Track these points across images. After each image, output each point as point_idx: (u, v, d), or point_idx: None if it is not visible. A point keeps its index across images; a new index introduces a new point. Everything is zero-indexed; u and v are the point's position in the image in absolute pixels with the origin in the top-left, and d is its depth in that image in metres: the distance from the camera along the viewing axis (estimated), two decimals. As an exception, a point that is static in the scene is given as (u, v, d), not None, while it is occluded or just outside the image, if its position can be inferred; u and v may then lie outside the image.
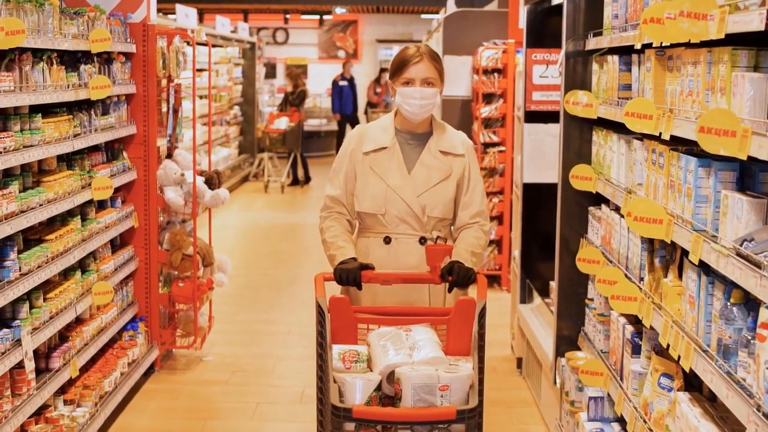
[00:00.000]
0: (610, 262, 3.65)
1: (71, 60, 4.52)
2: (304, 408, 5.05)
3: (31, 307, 3.92)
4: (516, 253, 5.77)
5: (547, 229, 4.71)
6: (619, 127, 3.52)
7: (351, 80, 17.62)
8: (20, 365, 3.75)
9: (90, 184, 4.61)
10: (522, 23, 5.64)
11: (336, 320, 3.08)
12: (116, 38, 4.95)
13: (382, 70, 19.36)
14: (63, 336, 4.40)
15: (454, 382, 2.80)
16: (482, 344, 2.96)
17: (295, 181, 14.29)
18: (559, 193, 4.28)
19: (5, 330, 3.66)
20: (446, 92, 3.66)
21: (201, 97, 11.79)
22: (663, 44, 2.92)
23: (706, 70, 2.58)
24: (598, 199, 3.99)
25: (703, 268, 2.62)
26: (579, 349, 4.20)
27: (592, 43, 3.91)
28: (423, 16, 20.43)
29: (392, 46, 20.84)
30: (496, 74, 7.81)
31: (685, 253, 2.76)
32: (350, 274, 3.22)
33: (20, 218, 3.75)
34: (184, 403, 5.16)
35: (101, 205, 4.99)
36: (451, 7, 9.37)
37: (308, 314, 6.11)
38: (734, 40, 2.42)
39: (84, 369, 4.63)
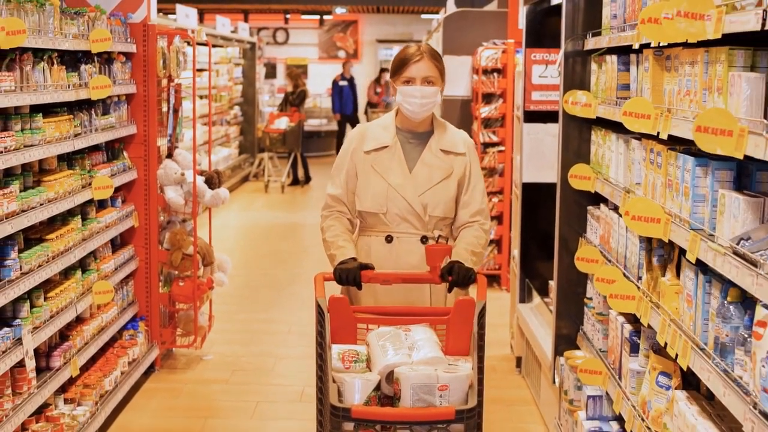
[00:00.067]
0: (609, 261, 3.66)
1: (72, 60, 4.54)
2: (303, 407, 5.07)
3: (32, 306, 3.93)
4: (515, 252, 5.78)
5: (547, 229, 4.73)
6: (617, 127, 3.53)
7: (351, 80, 17.63)
8: (21, 364, 3.76)
9: (90, 184, 4.62)
10: (521, 23, 5.65)
11: (335, 320, 3.08)
12: (117, 38, 4.96)
13: (383, 70, 19.37)
14: (63, 335, 4.41)
15: (453, 382, 2.81)
16: (482, 344, 2.95)
17: (296, 181, 14.30)
18: (558, 193, 4.29)
19: (6, 329, 3.67)
20: (446, 92, 3.67)
21: (201, 97, 11.81)
22: (661, 44, 2.93)
23: (704, 69, 2.59)
24: (597, 199, 4.00)
25: (701, 266, 2.63)
26: (578, 348, 4.21)
27: (591, 43, 3.92)
28: (423, 16, 20.44)
29: (392, 46, 20.86)
30: (495, 74, 7.82)
31: (682, 252, 2.77)
32: (350, 274, 3.22)
33: (21, 217, 3.76)
34: (185, 402, 5.17)
35: (102, 205, 5.00)
36: (451, 7, 9.39)
37: (308, 314, 6.12)
38: (731, 40, 2.43)
39: (84, 368, 4.64)
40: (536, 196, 5.47)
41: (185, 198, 5.63)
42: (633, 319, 3.45)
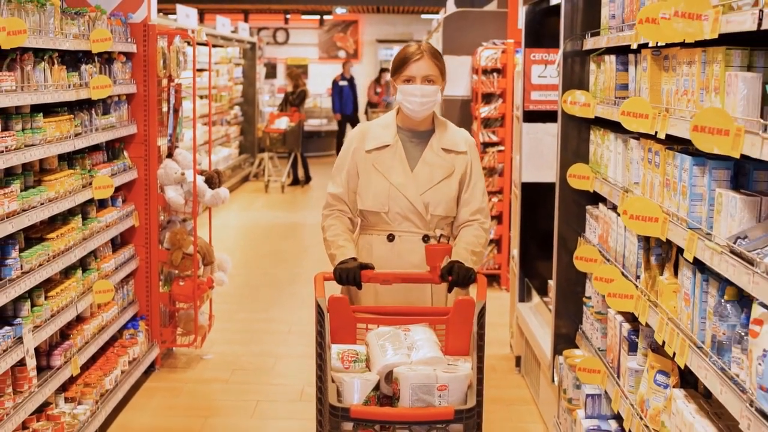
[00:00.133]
0: (607, 260, 3.67)
1: (72, 60, 4.55)
2: (303, 406, 5.08)
3: (33, 305, 3.95)
4: (515, 252, 5.79)
5: (546, 228, 4.73)
6: (616, 127, 3.54)
7: (351, 80, 17.64)
8: (22, 363, 3.77)
9: (91, 183, 4.63)
10: (521, 23, 5.66)
11: (335, 320, 3.08)
12: (117, 38, 4.97)
13: (383, 70, 19.38)
14: (64, 334, 4.42)
15: (452, 382, 2.81)
16: (481, 344, 2.95)
17: (296, 181, 14.31)
18: (557, 192, 4.30)
19: (7, 328, 3.68)
20: (446, 92, 3.67)
21: (201, 97, 11.82)
22: (659, 44, 2.95)
23: (701, 69, 2.60)
24: (596, 198, 4.01)
25: (698, 265, 2.65)
26: (577, 347, 4.22)
27: (590, 43, 3.93)
28: (423, 16, 20.45)
29: (392, 46, 20.87)
30: (495, 74, 7.83)
31: (680, 251, 2.78)
32: (350, 274, 3.22)
33: (22, 217, 3.77)
34: (185, 401, 5.19)
35: (102, 204, 5.01)
36: (450, 8, 9.40)
37: (308, 313, 6.13)
38: (728, 40, 2.44)
39: (85, 367, 4.65)
40: (535, 195, 5.48)
41: (185, 197, 5.64)
42: (631, 318, 3.46)
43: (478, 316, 2.98)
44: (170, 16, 11.69)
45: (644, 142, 3.19)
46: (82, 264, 4.64)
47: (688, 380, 2.99)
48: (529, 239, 5.57)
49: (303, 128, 14.29)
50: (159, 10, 9.87)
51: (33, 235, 4.13)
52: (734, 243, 2.34)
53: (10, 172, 3.93)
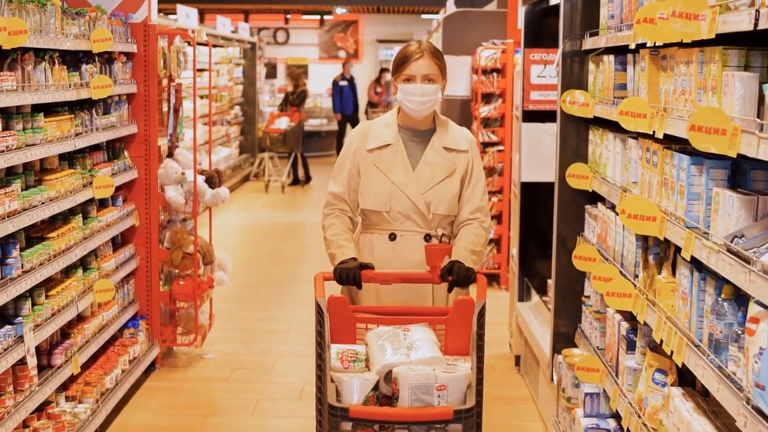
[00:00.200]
0: (606, 259, 3.68)
1: (73, 60, 4.56)
2: (303, 404, 5.09)
3: (33, 304, 3.96)
4: (514, 251, 5.80)
5: (545, 228, 4.75)
6: (614, 126, 3.55)
7: (351, 80, 17.65)
8: (22, 362, 3.78)
9: (91, 183, 4.65)
10: (520, 23, 5.67)
11: (335, 320, 3.08)
12: (117, 38, 4.99)
13: (383, 70, 19.39)
14: (65, 333, 4.44)
15: (451, 382, 2.81)
16: (481, 344, 2.95)
17: (296, 181, 14.32)
18: (557, 192, 4.31)
19: (8, 327, 3.69)
20: (445, 92, 3.68)
21: (201, 97, 11.83)
22: (657, 44, 2.96)
23: (698, 69, 2.62)
24: (595, 198, 4.02)
25: (696, 264, 2.66)
26: (576, 346, 4.23)
27: (589, 43, 3.94)
28: (423, 16, 20.46)
29: (392, 46, 20.88)
30: (495, 74, 7.84)
31: (678, 249, 2.80)
32: (350, 274, 3.22)
33: (22, 216, 3.79)
34: (185, 400, 5.20)
35: (102, 204, 5.02)
36: (450, 8, 9.41)
37: (308, 312, 6.15)
38: (725, 40, 2.46)
39: (85, 366, 4.67)
40: (535, 195, 5.49)
41: (186, 197, 5.65)
42: (630, 317, 3.46)
43: (478, 316, 2.97)
44: (170, 16, 11.71)
45: (642, 141, 3.20)
46: (83, 263, 4.65)
47: (686, 378, 3.00)
48: (529, 239, 5.59)
49: (303, 128, 14.30)
50: (159, 10, 9.90)
51: (34, 235, 4.14)
52: (731, 242, 2.35)
53: (11, 172, 3.94)
